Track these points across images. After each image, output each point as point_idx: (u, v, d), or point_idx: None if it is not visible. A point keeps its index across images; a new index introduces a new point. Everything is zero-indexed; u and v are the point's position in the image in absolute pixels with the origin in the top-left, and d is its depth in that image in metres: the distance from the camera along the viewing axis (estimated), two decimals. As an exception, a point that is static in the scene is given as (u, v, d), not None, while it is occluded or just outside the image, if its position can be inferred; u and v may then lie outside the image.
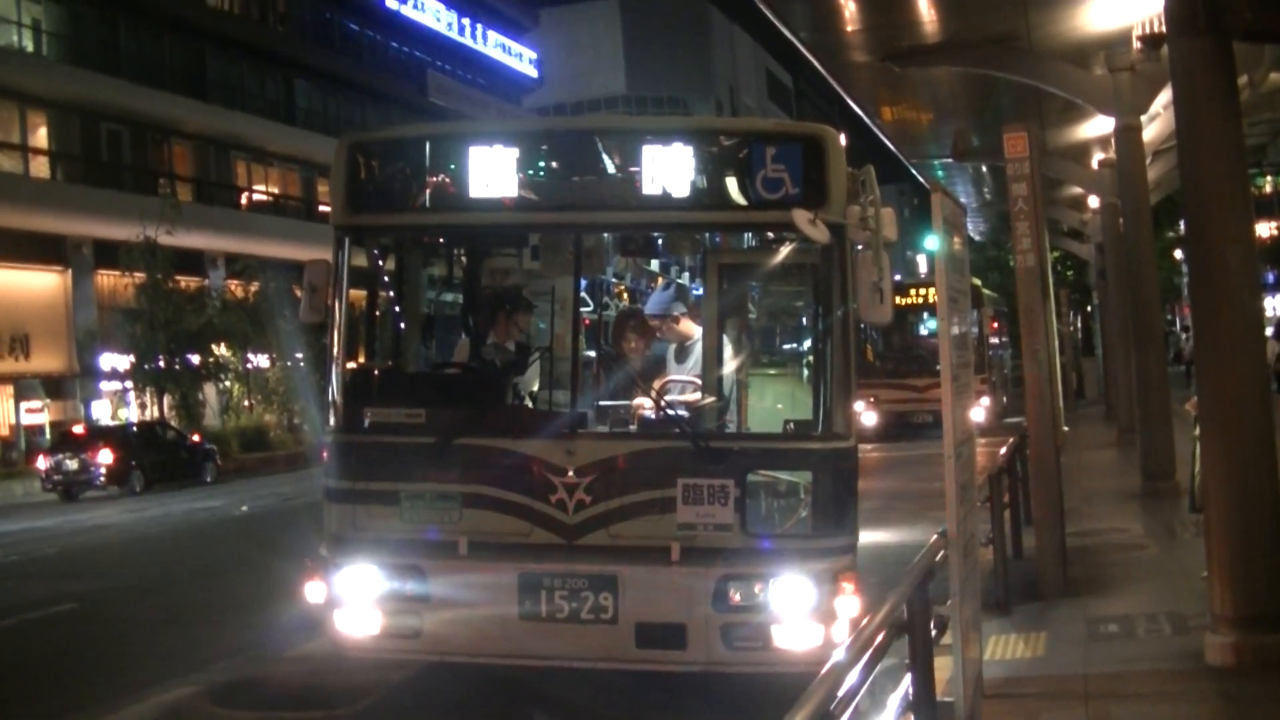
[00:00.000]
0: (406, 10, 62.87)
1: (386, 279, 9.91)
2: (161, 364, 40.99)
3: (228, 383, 45.05)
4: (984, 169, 38.27)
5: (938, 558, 6.60)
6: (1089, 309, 55.37)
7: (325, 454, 8.91)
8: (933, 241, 7.18)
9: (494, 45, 71.54)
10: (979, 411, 27.42)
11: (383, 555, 8.42)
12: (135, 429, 37.90)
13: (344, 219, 8.84)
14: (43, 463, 35.15)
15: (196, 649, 12.15)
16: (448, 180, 8.71)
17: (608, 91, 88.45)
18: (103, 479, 33.96)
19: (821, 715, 4.13)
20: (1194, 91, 9.28)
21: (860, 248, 8.20)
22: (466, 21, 68.16)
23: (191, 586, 16.52)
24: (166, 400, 41.78)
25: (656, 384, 9.58)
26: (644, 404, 9.36)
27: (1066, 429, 26.09)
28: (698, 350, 9.86)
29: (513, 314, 10.44)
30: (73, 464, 34.10)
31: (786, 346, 13.97)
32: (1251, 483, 8.91)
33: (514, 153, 8.50)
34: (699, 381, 9.59)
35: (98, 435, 36.07)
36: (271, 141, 53.17)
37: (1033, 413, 12.04)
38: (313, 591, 8.64)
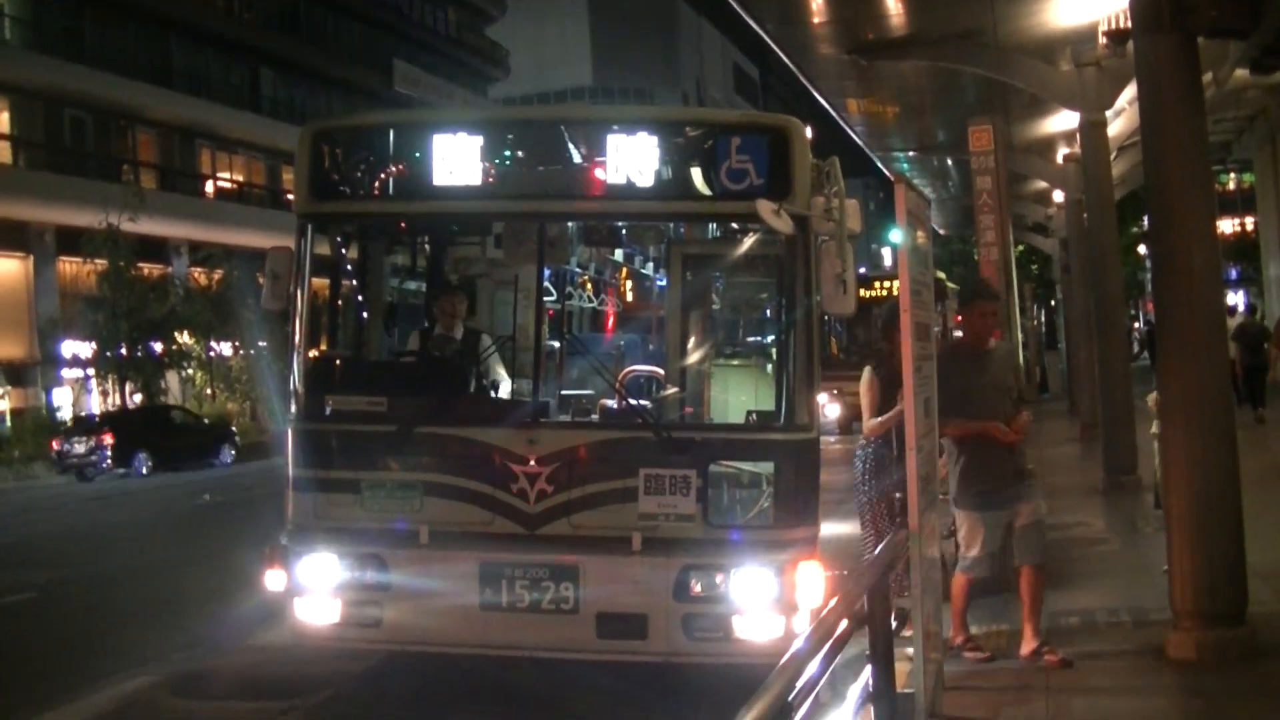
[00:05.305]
0: (373, -2, 62.69)
1: (349, 267, 9.82)
2: (124, 352, 40.77)
3: (190, 371, 44.86)
4: (949, 163, 38.31)
5: (899, 550, 6.61)
6: (1053, 303, 55.58)
7: (287, 442, 8.85)
8: (897, 234, 7.17)
9: (461, 35, 71.32)
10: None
11: (343, 544, 8.36)
12: (142, 414, 39.96)
13: (307, 207, 8.76)
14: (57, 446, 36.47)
15: (156, 639, 12.05)
16: (411, 168, 8.65)
17: (574, 82, 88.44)
18: (109, 463, 35.00)
19: (781, 705, 4.13)
20: (1159, 87, 9.32)
21: (824, 239, 8.17)
22: (434, 11, 67.94)
23: (152, 575, 16.37)
24: (128, 388, 41.62)
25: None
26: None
27: (1029, 423, 26.13)
28: None
29: (448, 302, 10.27)
30: (80, 448, 35.30)
31: (750, 338, 13.99)
32: (1212, 478, 8.95)
33: (478, 141, 8.45)
34: (661, 371, 9.57)
35: (106, 420, 37.83)
36: (236, 129, 52.91)
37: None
38: (273, 580, 8.57)
